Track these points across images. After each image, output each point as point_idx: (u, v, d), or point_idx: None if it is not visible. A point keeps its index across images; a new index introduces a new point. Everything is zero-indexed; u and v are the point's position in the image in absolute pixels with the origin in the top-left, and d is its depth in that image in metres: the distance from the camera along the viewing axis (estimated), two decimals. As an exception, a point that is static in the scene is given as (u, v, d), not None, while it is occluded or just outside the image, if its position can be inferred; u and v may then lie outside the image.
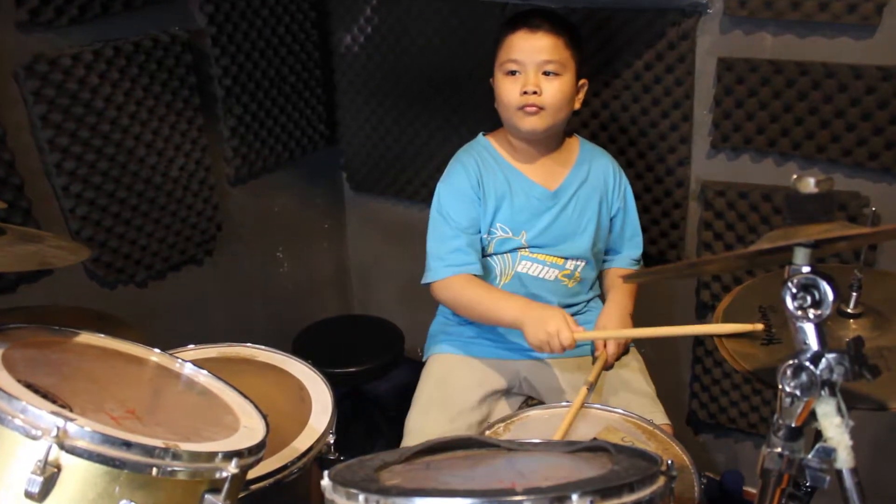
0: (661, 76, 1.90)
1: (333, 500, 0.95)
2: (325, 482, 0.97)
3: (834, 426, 0.96)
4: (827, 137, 1.76)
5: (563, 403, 1.57)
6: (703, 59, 1.85)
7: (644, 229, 1.88)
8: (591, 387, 1.58)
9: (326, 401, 1.47)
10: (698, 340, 2.12)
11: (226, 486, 0.99)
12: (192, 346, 1.61)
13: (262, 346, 1.64)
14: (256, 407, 1.20)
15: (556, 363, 1.74)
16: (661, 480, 0.94)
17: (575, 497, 0.85)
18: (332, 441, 1.40)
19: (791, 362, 0.97)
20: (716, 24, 1.81)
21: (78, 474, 0.91)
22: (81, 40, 1.71)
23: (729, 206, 1.92)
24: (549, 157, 1.74)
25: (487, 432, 1.49)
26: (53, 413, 0.90)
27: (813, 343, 0.96)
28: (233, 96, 2.10)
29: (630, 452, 1.06)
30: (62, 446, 0.89)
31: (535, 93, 1.59)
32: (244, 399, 1.22)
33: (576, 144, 1.79)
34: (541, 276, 1.73)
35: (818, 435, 0.98)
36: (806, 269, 0.96)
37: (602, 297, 1.85)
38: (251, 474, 1.18)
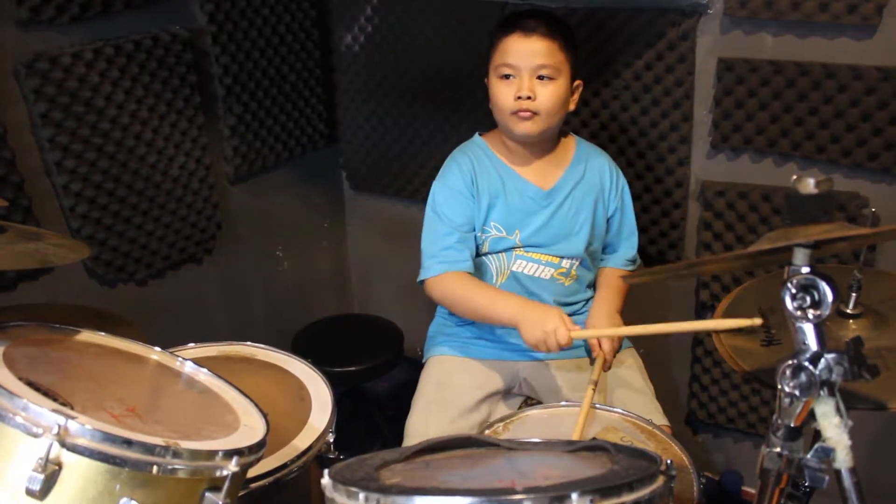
0: (661, 76, 1.90)
1: (333, 498, 0.95)
2: (326, 480, 0.97)
3: (833, 426, 0.96)
4: (826, 138, 1.77)
5: (563, 403, 1.57)
6: (704, 60, 1.85)
7: (643, 229, 1.88)
8: (595, 389, 1.58)
9: (326, 400, 1.47)
10: (697, 340, 2.12)
11: (226, 484, 0.99)
12: (192, 345, 1.62)
13: (262, 345, 1.64)
14: (256, 406, 1.20)
15: (555, 364, 1.75)
16: (661, 480, 0.94)
17: (574, 496, 0.85)
18: (331, 440, 1.40)
19: (790, 362, 0.97)
20: (716, 25, 1.81)
21: (79, 472, 0.91)
22: (82, 38, 1.71)
23: (728, 206, 1.92)
24: (543, 157, 1.74)
25: (487, 431, 1.49)
26: (54, 411, 0.90)
27: (812, 343, 0.97)
28: (233, 95, 2.10)
29: (629, 452, 1.06)
30: (63, 444, 0.89)
31: (528, 98, 1.59)
32: (244, 398, 1.22)
33: (572, 144, 1.79)
34: (537, 274, 1.73)
35: (817, 435, 0.99)
36: (805, 269, 0.97)
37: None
38: (251, 473, 1.17)
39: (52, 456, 0.89)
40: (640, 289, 1.85)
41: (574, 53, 1.65)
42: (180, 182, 1.99)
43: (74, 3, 1.66)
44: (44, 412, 0.90)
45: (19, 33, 1.61)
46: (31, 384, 0.98)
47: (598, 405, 1.55)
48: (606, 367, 1.68)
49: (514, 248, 1.71)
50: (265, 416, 1.17)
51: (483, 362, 1.76)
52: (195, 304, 2.16)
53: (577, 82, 1.67)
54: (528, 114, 1.61)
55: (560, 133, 1.76)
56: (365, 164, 2.52)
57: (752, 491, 2.07)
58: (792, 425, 0.99)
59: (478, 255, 1.73)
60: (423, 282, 1.71)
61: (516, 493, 0.86)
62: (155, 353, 1.29)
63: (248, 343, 1.64)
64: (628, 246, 1.84)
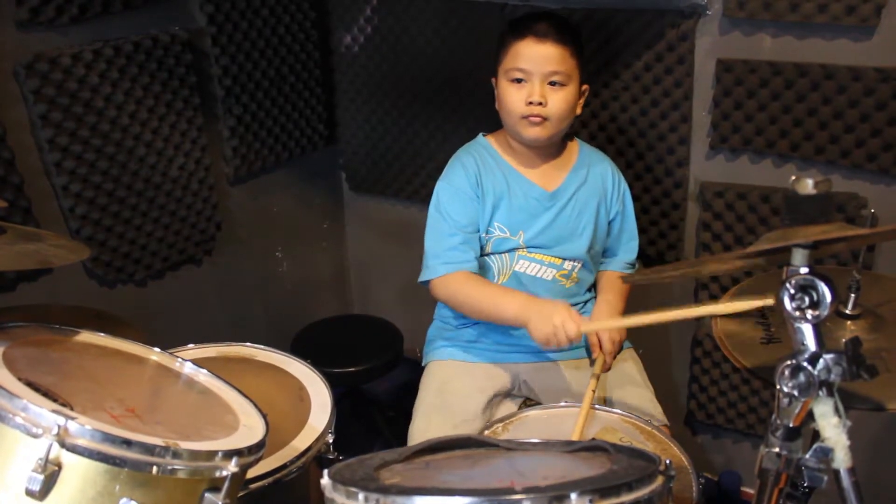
0: (660, 77, 1.91)
1: (333, 498, 0.95)
2: (325, 481, 0.97)
3: (831, 426, 0.96)
4: (825, 139, 1.77)
5: (562, 404, 1.57)
6: (702, 61, 1.85)
7: (643, 230, 1.88)
8: (595, 391, 1.58)
9: (325, 400, 1.48)
10: (696, 341, 2.12)
11: (225, 484, 0.99)
12: (191, 346, 1.62)
13: (262, 346, 1.64)
14: (256, 406, 1.20)
15: (555, 365, 1.75)
16: (660, 480, 0.95)
17: (574, 496, 0.85)
18: (331, 440, 1.41)
19: (789, 362, 0.97)
20: (715, 26, 1.81)
21: (78, 472, 0.91)
22: (82, 39, 1.71)
23: (728, 207, 1.93)
24: (548, 160, 1.74)
25: (486, 432, 1.49)
26: (54, 411, 0.90)
27: (811, 344, 0.97)
28: (232, 96, 2.10)
29: (628, 452, 1.07)
30: (63, 444, 0.89)
31: (540, 103, 1.59)
32: (244, 398, 1.22)
33: (575, 147, 1.79)
34: (539, 275, 1.73)
35: (816, 435, 0.99)
36: (804, 270, 0.97)
37: (598, 300, 1.86)
38: (251, 473, 1.18)
39: (51, 456, 0.89)
40: (641, 290, 1.85)
41: (583, 58, 1.66)
42: (180, 183, 1.99)
43: (74, 4, 1.66)
44: (43, 413, 0.90)
45: (19, 34, 1.61)
46: (30, 385, 0.98)
47: (597, 406, 1.56)
48: (606, 368, 1.69)
49: (517, 248, 1.71)
50: (265, 416, 1.17)
51: (483, 365, 1.76)
52: (195, 305, 2.16)
53: (584, 87, 1.68)
54: (538, 119, 1.61)
55: (565, 136, 1.76)
56: (364, 165, 2.52)
57: (751, 491, 2.07)
58: (791, 425, 0.99)
59: (483, 254, 1.73)
60: (427, 282, 1.70)
61: (515, 493, 0.86)
62: (154, 354, 1.29)
63: (248, 344, 1.65)
64: (628, 250, 1.84)
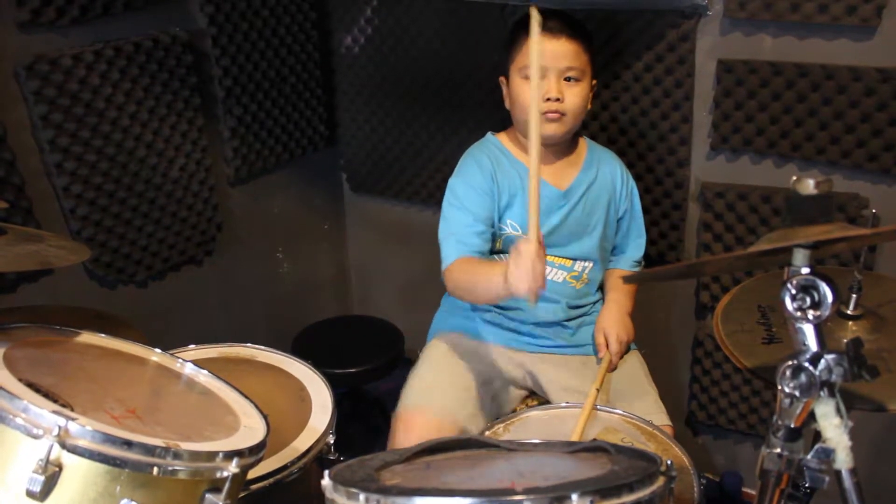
0: (660, 78, 1.91)
1: (334, 499, 0.95)
2: (326, 482, 0.97)
3: (833, 427, 0.96)
4: (826, 139, 1.77)
5: (563, 404, 1.57)
6: (703, 61, 1.85)
7: (644, 230, 1.88)
8: (599, 388, 1.58)
9: (326, 401, 1.48)
10: (698, 342, 2.12)
11: (226, 485, 0.99)
12: (192, 347, 1.62)
13: (262, 347, 1.64)
14: (257, 407, 1.20)
15: (563, 359, 1.74)
16: (661, 480, 0.95)
17: (575, 497, 0.85)
18: (331, 441, 1.41)
19: (790, 363, 0.97)
20: (715, 26, 1.81)
21: (79, 473, 0.91)
22: (82, 41, 1.71)
23: (728, 207, 1.92)
24: (560, 158, 1.74)
25: (487, 432, 1.49)
26: (55, 412, 0.90)
27: (812, 344, 0.97)
28: (233, 97, 2.10)
29: (629, 453, 1.07)
30: (63, 445, 0.89)
31: (557, 99, 1.59)
32: (244, 399, 1.22)
33: (584, 145, 1.79)
34: (549, 277, 1.72)
35: (817, 435, 0.99)
36: (805, 270, 0.97)
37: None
38: (251, 474, 1.18)
39: (52, 457, 0.89)
40: (642, 291, 1.85)
41: (593, 53, 1.66)
42: (180, 184, 1.99)
43: (74, 5, 1.66)
44: (44, 413, 0.90)
45: (20, 35, 1.61)
46: (31, 385, 0.98)
47: (598, 406, 1.56)
48: (612, 367, 1.68)
49: None
50: (265, 417, 1.17)
51: (492, 347, 1.75)
52: (195, 306, 2.16)
53: (594, 82, 1.68)
54: (556, 115, 1.61)
55: (575, 133, 1.76)
56: (365, 166, 2.52)
57: (753, 492, 2.07)
58: (792, 426, 0.99)
59: (493, 252, 1.72)
60: (444, 279, 1.67)
61: (516, 493, 0.86)
62: (155, 355, 1.29)
63: (249, 344, 1.65)
64: (636, 247, 1.84)
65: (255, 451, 1.04)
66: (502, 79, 1.70)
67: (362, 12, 2.29)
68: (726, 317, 1.44)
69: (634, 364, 1.76)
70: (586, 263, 1.75)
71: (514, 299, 1.72)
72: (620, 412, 1.53)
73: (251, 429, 1.12)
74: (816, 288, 0.96)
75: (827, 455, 0.97)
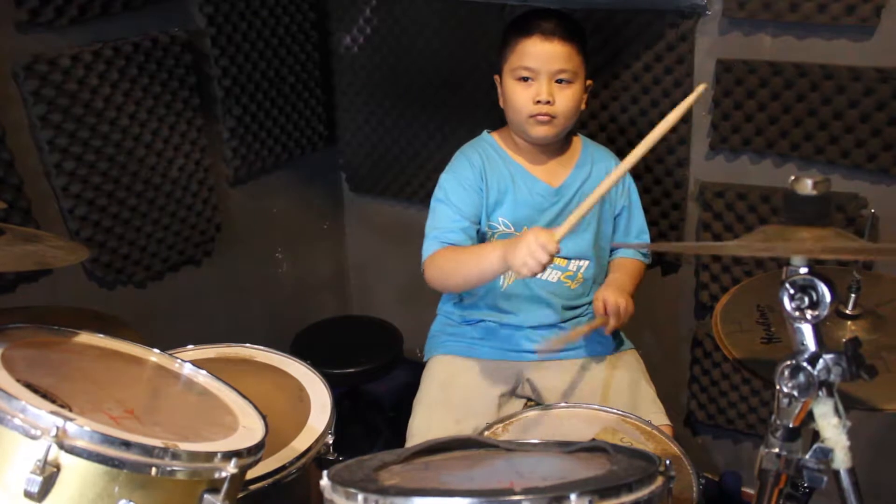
0: (659, 77, 1.90)
1: (332, 499, 0.95)
2: (325, 482, 0.97)
3: (831, 427, 0.96)
4: (825, 139, 1.77)
5: (561, 404, 1.57)
6: (702, 61, 1.85)
7: (647, 227, 1.88)
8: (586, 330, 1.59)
9: (325, 401, 1.47)
10: (697, 341, 2.12)
11: (225, 486, 0.99)
12: (191, 347, 1.62)
13: (261, 347, 1.64)
14: (255, 407, 1.20)
15: (558, 364, 1.74)
16: (660, 480, 0.95)
17: (573, 497, 0.85)
18: (330, 441, 1.40)
19: (789, 363, 0.97)
20: (714, 26, 1.81)
21: (77, 474, 0.91)
22: (81, 41, 1.71)
23: (728, 207, 1.92)
24: (553, 156, 1.74)
25: (486, 433, 1.49)
26: (53, 413, 0.90)
27: (810, 344, 0.97)
28: (232, 97, 2.10)
29: (628, 453, 1.07)
30: (61, 446, 0.89)
31: (548, 102, 1.60)
32: (243, 399, 1.22)
33: (578, 144, 1.79)
34: (544, 277, 1.72)
35: (816, 435, 0.99)
36: (803, 270, 0.97)
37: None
38: (250, 474, 1.18)
39: (50, 458, 0.89)
40: (643, 291, 1.84)
41: (587, 54, 1.66)
42: (179, 184, 1.99)
43: (73, 5, 1.66)
44: (42, 414, 0.90)
45: (18, 35, 1.61)
46: (29, 386, 0.98)
47: (595, 406, 1.56)
48: (607, 331, 1.64)
49: None
50: (264, 417, 1.17)
51: (486, 363, 1.75)
52: (194, 306, 2.16)
53: (588, 82, 1.68)
54: (546, 118, 1.61)
55: (569, 132, 1.76)
56: (364, 166, 2.52)
57: (753, 491, 2.07)
58: (790, 426, 0.99)
59: None
60: (423, 270, 1.68)
61: (515, 493, 0.86)
62: (154, 355, 1.28)
63: (248, 345, 1.64)
64: (641, 241, 1.84)
65: (254, 452, 1.04)
66: (497, 77, 1.70)
67: (361, 12, 2.29)
68: (725, 316, 1.44)
69: (633, 364, 1.76)
70: (581, 263, 1.75)
71: (509, 303, 1.73)
72: (619, 412, 1.53)
73: (250, 429, 1.12)
74: (815, 288, 0.96)
75: (825, 455, 0.97)
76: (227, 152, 2.15)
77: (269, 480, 1.27)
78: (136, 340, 1.30)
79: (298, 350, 2.22)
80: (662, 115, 1.90)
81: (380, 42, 2.29)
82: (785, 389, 0.97)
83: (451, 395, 1.69)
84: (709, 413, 2.17)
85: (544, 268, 1.37)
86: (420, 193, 2.44)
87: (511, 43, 1.64)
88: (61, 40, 1.68)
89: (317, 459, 1.37)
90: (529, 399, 1.78)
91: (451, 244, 1.64)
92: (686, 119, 1.91)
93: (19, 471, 0.89)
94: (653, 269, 2.09)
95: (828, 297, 0.95)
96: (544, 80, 1.60)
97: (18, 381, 0.98)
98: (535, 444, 1.22)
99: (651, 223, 2.04)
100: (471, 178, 1.69)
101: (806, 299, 0.96)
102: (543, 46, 1.59)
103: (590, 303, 1.80)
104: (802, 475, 1.00)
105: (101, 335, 1.26)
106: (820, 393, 0.96)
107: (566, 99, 1.61)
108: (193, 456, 0.97)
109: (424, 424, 1.65)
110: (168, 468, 0.94)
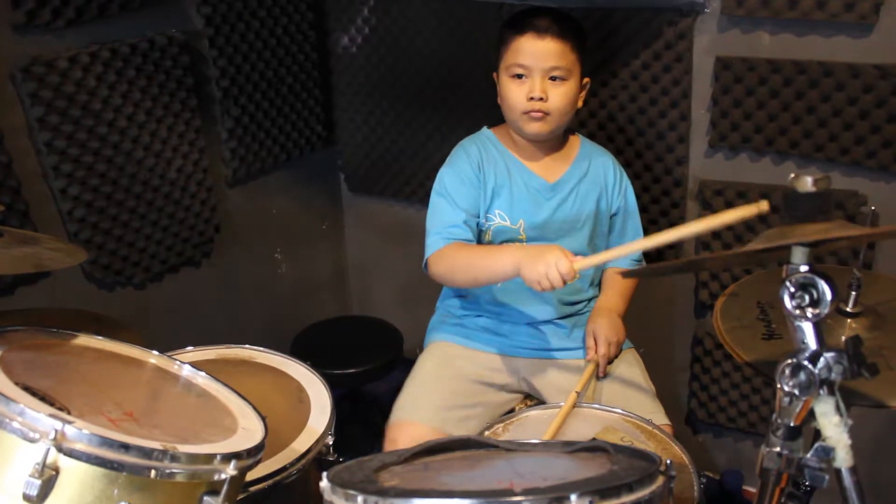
0: (658, 75, 1.90)
1: (332, 501, 0.95)
2: (324, 483, 0.97)
3: (832, 425, 0.96)
4: (825, 136, 1.77)
5: (561, 403, 1.57)
6: (701, 59, 1.85)
7: (642, 229, 1.88)
8: (581, 393, 1.57)
9: (325, 402, 1.47)
10: (697, 340, 2.12)
11: (224, 487, 0.99)
12: (190, 348, 1.61)
13: (261, 348, 1.63)
14: (255, 408, 1.19)
15: (557, 363, 1.74)
16: (660, 480, 0.94)
17: (573, 497, 0.85)
18: (330, 442, 1.40)
19: (789, 361, 0.97)
20: (713, 24, 1.81)
21: (76, 477, 0.90)
22: (78, 42, 1.71)
23: (727, 205, 1.92)
24: (550, 153, 1.75)
25: (486, 433, 1.48)
26: (51, 416, 0.90)
27: (811, 342, 0.97)
28: (230, 98, 2.09)
29: (629, 452, 1.06)
30: (60, 449, 0.89)
31: (541, 99, 1.60)
32: (242, 401, 1.22)
33: (576, 142, 1.79)
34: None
35: (817, 434, 0.99)
36: (804, 268, 0.97)
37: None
38: (250, 476, 1.17)
39: (48, 461, 0.88)
40: (641, 290, 1.85)
41: (584, 52, 1.66)
42: (178, 185, 1.99)
43: (70, 6, 1.65)
44: (40, 417, 0.90)
45: (15, 37, 1.60)
46: (27, 389, 0.98)
47: (595, 405, 1.55)
48: (601, 372, 1.68)
49: (518, 240, 1.71)
50: (264, 419, 1.16)
51: (484, 354, 1.76)
52: (194, 308, 2.16)
53: (585, 80, 1.68)
54: (539, 114, 1.62)
55: (566, 130, 1.76)
56: (363, 166, 2.52)
57: (754, 490, 2.07)
58: (791, 424, 0.99)
59: (482, 244, 1.73)
60: (426, 264, 1.68)
61: (514, 494, 0.86)
62: (152, 357, 1.28)
63: (247, 346, 1.64)
64: None
65: (253, 453, 1.04)
66: (494, 75, 1.71)
67: (360, 12, 2.28)
68: (725, 313, 1.44)
69: (632, 363, 1.76)
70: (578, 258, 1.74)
71: (507, 299, 1.74)
72: (620, 411, 1.52)
73: (249, 431, 1.12)
74: (815, 286, 0.95)
75: (827, 453, 0.97)
76: (225, 153, 2.14)
77: (270, 482, 1.26)
78: (136, 342, 1.29)
79: (298, 351, 2.22)
80: (661, 113, 1.93)
81: (378, 42, 2.29)
82: (786, 388, 0.97)
83: (443, 377, 1.69)
84: (709, 412, 2.17)
85: (551, 288, 1.42)
86: (419, 193, 2.43)
87: (506, 40, 1.65)
88: (59, 42, 1.68)
89: (317, 460, 1.37)
90: (527, 396, 1.77)
91: (457, 239, 1.65)
92: (685, 117, 1.91)
93: (18, 474, 0.89)
94: (653, 267, 2.09)
95: (828, 295, 0.95)
96: (538, 77, 1.60)
97: (17, 383, 0.98)
98: (535, 444, 1.22)
99: (650, 222, 2.04)
100: (468, 171, 1.70)
101: (806, 297, 0.96)
102: (537, 44, 1.59)
103: (588, 299, 1.81)
104: (804, 474, 1.00)
105: (100, 337, 1.26)
106: (821, 391, 0.95)
107: (559, 96, 1.61)
108: (193, 458, 0.96)
109: (410, 402, 1.66)
110: (167, 470, 0.94)
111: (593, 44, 1.93)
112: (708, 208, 1.94)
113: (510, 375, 1.75)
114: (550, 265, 1.40)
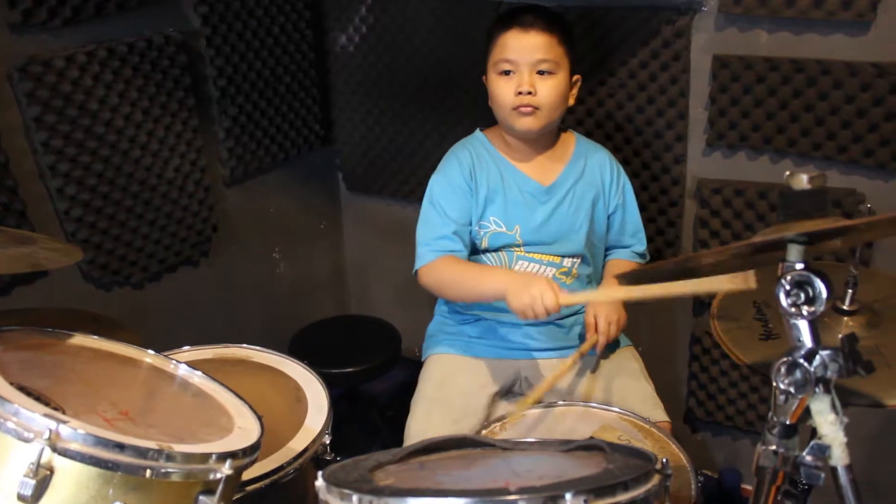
0: (656, 74, 1.90)
1: (327, 500, 0.95)
2: (319, 482, 0.97)
3: (828, 423, 0.96)
4: (822, 134, 1.76)
5: (560, 403, 1.57)
6: (699, 57, 1.85)
7: (643, 226, 1.87)
8: (575, 360, 1.59)
9: (322, 401, 1.47)
10: (695, 338, 2.12)
11: (220, 487, 0.98)
12: (187, 348, 1.61)
13: (259, 347, 1.63)
14: (251, 408, 1.19)
15: (556, 364, 1.74)
16: (656, 479, 0.94)
17: (569, 496, 0.85)
18: (328, 441, 1.40)
19: (785, 359, 0.97)
20: (711, 22, 1.81)
21: (71, 477, 0.90)
22: (75, 42, 1.71)
23: (725, 203, 1.92)
24: (544, 153, 1.74)
25: (484, 432, 1.48)
26: (46, 415, 0.90)
27: (807, 340, 0.96)
28: (228, 97, 2.09)
29: (625, 451, 1.06)
30: (55, 449, 0.89)
31: (529, 93, 1.59)
32: (239, 400, 1.21)
33: (571, 140, 1.78)
34: (538, 272, 1.72)
35: (813, 432, 0.98)
36: (799, 265, 0.96)
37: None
38: (247, 475, 1.17)
39: (43, 461, 0.88)
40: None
41: (572, 47, 1.65)
42: (175, 185, 1.99)
43: (67, 6, 1.65)
44: (35, 417, 0.89)
45: (12, 37, 1.60)
46: (22, 389, 0.98)
47: (593, 404, 1.55)
48: (599, 347, 1.66)
49: (515, 246, 1.70)
50: (260, 418, 1.16)
51: (484, 361, 1.75)
52: (191, 307, 2.16)
53: (575, 77, 1.67)
54: (529, 109, 1.61)
55: (559, 129, 1.75)
56: (361, 165, 2.52)
57: (751, 488, 2.07)
58: (787, 423, 0.99)
59: (478, 251, 1.73)
60: (416, 273, 1.70)
61: (510, 493, 0.86)
62: (148, 356, 1.28)
63: (245, 345, 1.64)
64: (636, 241, 1.83)
65: (249, 453, 1.04)
66: (484, 78, 1.70)
67: (357, 11, 2.28)
68: (722, 313, 1.44)
69: (630, 361, 1.76)
70: (575, 259, 1.74)
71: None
72: (617, 410, 1.52)
73: (245, 430, 1.12)
74: (811, 283, 0.95)
75: (823, 452, 0.97)
76: (223, 152, 2.14)
77: (267, 481, 1.26)
78: (133, 342, 1.29)
79: (296, 350, 2.22)
80: (659, 112, 1.93)
81: (376, 41, 2.29)
82: (782, 386, 0.97)
83: (448, 393, 1.68)
84: (707, 410, 2.17)
85: (535, 318, 1.45)
86: (417, 192, 2.43)
87: (492, 39, 1.64)
88: (55, 41, 1.67)
89: (314, 460, 1.37)
90: (528, 398, 1.77)
91: (448, 252, 1.65)
92: (683, 115, 1.91)
93: (12, 474, 0.89)
94: (651, 266, 2.09)
95: (824, 293, 0.95)
96: (525, 72, 1.59)
97: (11, 383, 0.98)
98: (531, 443, 1.22)
99: (649, 220, 2.04)
100: (459, 179, 1.69)
101: (802, 295, 0.96)
102: (522, 38, 1.59)
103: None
104: (800, 472, 1.00)
105: (96, 337, 1.25)
106: (817, 389, 0.95)
107: (548, 89, 1.60)
108: (188, 457, 0.96)
109: (422, 424, 1.64)
110: (162, 470, 0.94)
111: (591, 42, 1.94)
112: (706, 207, 1.94)
113: (511, 378, 1.75)
114: (536, 298, 1.43)
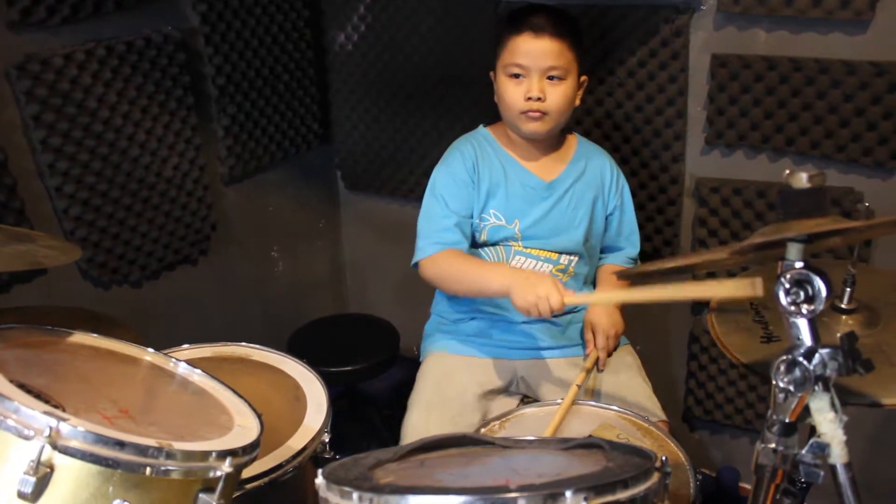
0: (654, 73, 1.90)
1: (327, 498, 0.95)
2: (319, 480, 0.97)
3: (827, 421, 0.96)
4: (820, 133, 1.77)
5: (559, 401, 1.57)
6: (697, 56, 1.85)
7: (638, 226, 1.88)
8: (581, 387, 1.58)
9: (321, 400, 1.47)
10: (694, 337, 2.12)
11: (220, 485, 0.99)
12: (186, 346, 1.61)
13: (258, 346, 1.63)
14: (251, 406, 1.19)
15: (553, 362, 1.74)
16: (655, 477, 0.94)
17: (568, 494, 0.85)
18: (327, 440, 1.40)
19: (784, 358, 0.97)
20: (709, 21, 1.81)
21: (71, 474, 0.90)
22: (73, 40, 1.70)
23: (723, 202, 1.92)
24: (547, 152, 1.75)
25: (483, 430, 1.48)
26: (46, 413, 0.90)
27: (806, 338, 0.97)
28: (226, 95, 2.09)
29: (624, 449, 1.06)
30: (55, 446, 0.89)
31: (539, 99, 1.60)
32: (238, 398, 1.21)
33: (573, 141, 1.79)
34: (534, 268, 1.72)
35: (812, 430, 0.99)
36: (799, 264, 0.97)
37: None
38: (246, 473, 1.17)
39: (43, 458, 0.88)
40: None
41: (581, 50, 1.66)
42: (174, 183, 1.98)
43: (65, 4, 1.65)
44: (35, 414, 0.89)
45: (10, 35, 1.60)
46: (22, 386, 0.98)
47: (592, 402, 1.56)
48: (601, 365, 1.68)
49: (513, 240, 1.71)
50: (259, 416, 1.16)
51: (481, 360, 1.75)
52: (190, 306, 2.15)
53: (583, 78, 1.68)
54: (537, 114, 1.62)
55: (563, 129, 1.76)
56: (359, 164, 2.52)
57: (750, 487, 2.07)
58: (787, 421, 0.99)
59: (477, 244, 1.73)
60: (416, 265, 1.70)
61: (510, 491, 0.86)
62: (148, 355, 1.28)
63: (244, 343, 1.64)
64: (629, 244, 1.84)
65: (249, 451, 1.04)
66: (492, 74, 1.70)
67: (356, 9, 2.28)
68: (720, 314, 1.44)
69: (629, 360, 1.76)
70: (572, 257, 1.75)
71: (503, 300, 1.73)
72: (616, 408, 1.53)
73: (245, 428, 1.12)
74: (810, 282, 0.95)
75: (822, 450, 0.97)
76: (221, 151, 2.14)
77: (266, 479, 1.26)
78: (132, 340, 1.29)
79: (294, 348, 2.22)
80: (658, 111, 1.93)
81: (374, 39, 2.29)
82: (781, 384, 0.97)
83: (446, 392, 1.69)
84: (706, 409, 2.17)
85: (539, 316, 1.46)
86: (416, 191, 2.43)
87: (503, 40, 1.64)
88: (54, 40, 1.67)
89: (313, 458, 1.37)
90: (525, 396, 1.78)
91: (449, 245, 1.65)
92: (681, 114, 1.91)
93: (12, 471, 0.89)
94: (649, 265, 2.09)
95: (823, 291, 0.95)
96: (535, 77, 1.60)
97: (11, 381, 0.97)
98: (531, 441, 1.22)
99: (647, 219, 2.04)
100: (462, 172, 1.69)
101: (801, 294, 0.96)
102: (533, 43, 1.59)
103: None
104: (799, 470, 1.00)
105: (95, 335, 1.25)
106: (816, 388, 0.96)
107: (557, 95, 1.61)
108: (188, 455, 0.96)
109: (419, 423, 1.65)
110: (162, 468, 0.94)
111: (590, 41, 1.94)
112: (704, 206, 1.95)
113: (508, 377, 1.75)
114: (542, 298, 1.44)
